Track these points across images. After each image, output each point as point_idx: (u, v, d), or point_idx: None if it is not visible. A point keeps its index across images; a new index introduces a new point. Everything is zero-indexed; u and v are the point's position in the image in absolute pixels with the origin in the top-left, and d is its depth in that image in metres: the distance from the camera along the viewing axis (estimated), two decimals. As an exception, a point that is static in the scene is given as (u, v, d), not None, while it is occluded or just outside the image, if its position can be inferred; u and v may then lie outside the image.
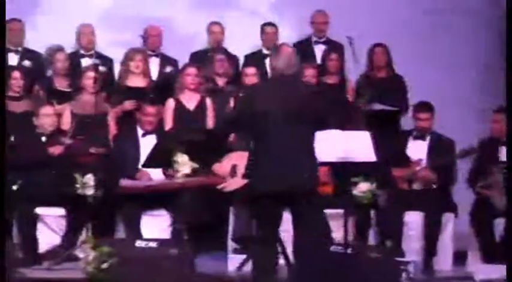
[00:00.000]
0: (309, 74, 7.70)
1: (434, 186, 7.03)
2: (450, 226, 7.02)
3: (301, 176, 5.40)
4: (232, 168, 6.99)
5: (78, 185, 6.53)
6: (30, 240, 6.62)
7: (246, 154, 6.75)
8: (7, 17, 7.92)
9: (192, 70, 7.54)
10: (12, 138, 6.96)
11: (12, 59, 7.88)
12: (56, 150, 6.75)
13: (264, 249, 5.51)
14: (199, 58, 8.04)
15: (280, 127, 5.39)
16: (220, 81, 7.89)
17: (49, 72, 7.67)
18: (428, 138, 7.17)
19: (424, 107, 7.19)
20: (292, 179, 5.37)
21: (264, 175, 5.41)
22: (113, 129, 7.38)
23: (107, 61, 8.04)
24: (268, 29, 8.33)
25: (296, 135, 5.41)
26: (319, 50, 8.34)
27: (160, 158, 6.54)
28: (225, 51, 8.06)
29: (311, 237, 5.50)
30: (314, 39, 8.45)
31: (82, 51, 8.05)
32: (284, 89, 5.47)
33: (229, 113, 6.57)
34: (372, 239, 6.99)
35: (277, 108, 5.38)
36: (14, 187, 6.61)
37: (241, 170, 6.84)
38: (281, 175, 5.36)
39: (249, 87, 5.72)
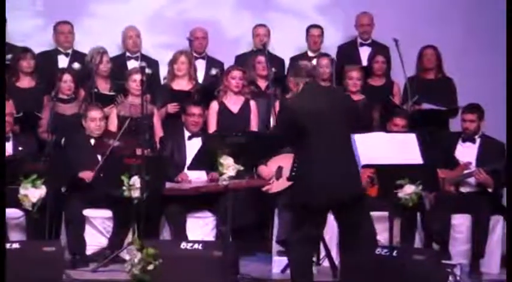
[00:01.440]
0: (354, 76, 7.67)
1: (490, 190, 6.93)
2: (498, 229, 6.92)
3: (350, 183, 5.40)
4: (278, 170, 7.00)
5: (124, 187, 6.56)
6: (78, 242, 6.68)
7: (291, 156, 6.77)
8: (58, 20, 8.07)
9: (236, 73, 7.56)
10: (63, 141, 7.05)
11: (62, 62, 7.99)
12: (87, 177, 6.82)
13: (303, 250, 5.49)
14: (243, 61, 8.06)
15: (323, 133, 5.37)
16: (263, 84, 7.90)
17: (93, 75, 7.73)
18: (478, 140, 7.08)
19: (472, 108, 7.11)
20: (340, 187, 5.37)
21: (311, 184, 5.40)
22: (158, 131, 7.43)
23: (153, 63, 8.11)
24: (313, 31, 8.33)
25: (339, 141, 5.40)
26: (364, 52, 8.31)
27: (205, 160, 6.54)
28: (270, 54, 8.06)
29: (357, 240, 5.47)
30: (359, 41, 8.43)
31: (128, 54, 8.13)
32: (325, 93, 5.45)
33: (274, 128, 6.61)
34: (418, 242, 6.92)
35: (320, 113, 5.38)
36: (63, 189, 6.68)
37: (286, 172, 6.85)
38: (329, 184, 5.35)
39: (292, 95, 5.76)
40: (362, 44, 8.41)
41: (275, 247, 6.95)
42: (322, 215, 5.53)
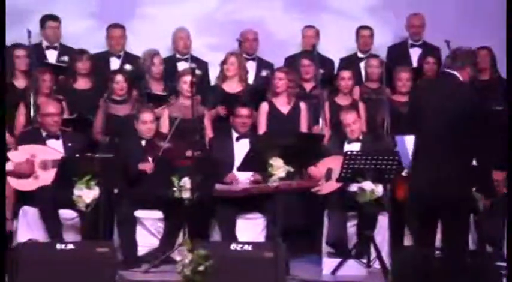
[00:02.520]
0: (404, 77, 7.63)
1: None
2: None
3: (459, 182, 5.28)
4: (327, 171, 6.99)
5: (175, 188, 6.61)
6: (130, 242, 6.74)
7: (340, 158, 6.77)
8: (110, 22, 8.16)
9: (278, 74, 7.58)
10: (115, 141, 7.12)
11: (114, 64, 8.08)
12: (148, 167, 6.85)
13: (420, 253, 5.44)
14: (292, 62, 8.07)
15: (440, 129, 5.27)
16: (308, 86, 7.89)
17: (147, 76, 7.80)
18: None
19: None
20: (449, 186, 5.25)
21: (423, 184, 5.28)
22: (209, 132, 7.46)
23: (203, 65, 8.15)
24: (363, 32, 8.31)
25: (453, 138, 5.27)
26: (415, 53, 8.26)
27: (255, 161, 6.57)
28: (320, 55, 8.06)
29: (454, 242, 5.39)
30: (410, 42, 8.38)
31: (178, 55, 8.18)
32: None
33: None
34: (471, 244, 6.85)
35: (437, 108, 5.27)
36: (115, 190, 6.75)
37: (335, 173, 6.84)
38: (440, 183, 5.24)
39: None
40: (413, 45, 8.36)
41: (325, 248, 6.95)
42: (424, 218, 5.41)
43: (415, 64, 8.16)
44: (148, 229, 6.89)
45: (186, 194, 6.59)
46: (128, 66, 7.98)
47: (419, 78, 7.84)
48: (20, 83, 7.56)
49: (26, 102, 7.29)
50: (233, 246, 6.05)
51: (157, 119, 7.25)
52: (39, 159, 6.71)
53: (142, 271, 6.51)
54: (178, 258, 5.88)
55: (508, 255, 5.98)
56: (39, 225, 6.63)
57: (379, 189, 6.66)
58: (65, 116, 7.17)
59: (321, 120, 7.59)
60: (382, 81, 7.63)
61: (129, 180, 6.74)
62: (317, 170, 7.04)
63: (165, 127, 7.28)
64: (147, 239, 6.84)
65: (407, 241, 6.85)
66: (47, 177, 6.59)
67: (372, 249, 6.68)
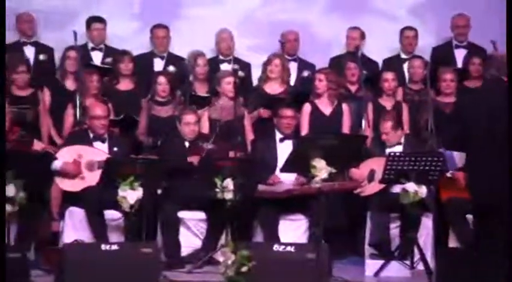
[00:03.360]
0: (448, 78, 7.58)
1: None
2: None
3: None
4: (370, 173, 6.96)
5: (218, 189, 6.63)
6: (173, 243, 6.78)
7: (383, 159, 6.74)
8: (153, 23, 8.22)
9: (319, 75, 7.57)
10: (159, 143, 7.17)
11: (158, 65, 8.13)
12: (195, 160, 6.89)
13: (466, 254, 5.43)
14: (336, 63, 8.06)
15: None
16: (353, 88, 7.87)
17: (190, 78, 7.84)
18: None
19: None
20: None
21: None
22: (249, 134, 7.47)
23: (245, 66, 8.17)
24: (408, 33, 8.27)
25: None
26: (460, 54, 8.20)
27: (298, 163, 6.56)
28: (364, 56, 8.02)
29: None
30: (455, 43, 8.31)
31: (221, 57, 8.20)
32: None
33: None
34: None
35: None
36: (159, 191, 6.80)
37: (378, 175, 6.82)
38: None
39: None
40: (458, 46, 8.29)
41: (367, 250, 6.93)
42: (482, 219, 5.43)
43: (459, 65, 8.09)
44: (191, 230, 6.92)
45: (229, 195, 6.61)
46: (171, 68, 8.03)
47: (464, 79, 7.78)
48: (69, 84, 7.64)
49: (74, 103, 7.37)
50: (276, 247, 6.07)
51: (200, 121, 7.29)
52: (86, 160, 6.78)
53: (185, 272, 6.54)
54: (221, 259, 5.91)
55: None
56: (85, 226, 6.70)
57: (422, 191, 6.62)
58: (112, 117, 7.24)
59: (364, 122, 7.57)
60: (426, 83, 7.58)
61: (174, 181, 6.77)
62: (359, 171, 7.01)
63: (205, 128, 7.30)
64: (190, 240, 6.88)
65: (452, 242, 6.82)
66: (92, 178, 6.66)
67: (416, 251, 6.63)
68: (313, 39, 8.51)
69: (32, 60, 7.94)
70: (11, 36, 7.99)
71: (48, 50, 8.05)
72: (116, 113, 7.41)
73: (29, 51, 8.03)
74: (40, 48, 8.08)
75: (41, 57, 8.01)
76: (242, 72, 7.97)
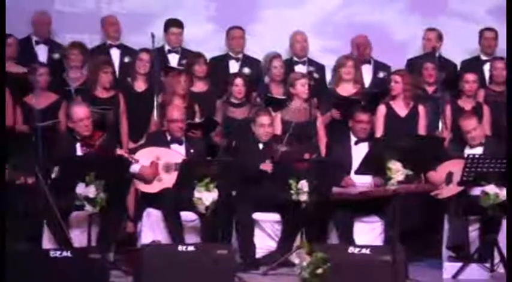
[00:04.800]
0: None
1: None
2: None
3: None
4: (448, 175, 6.87)
5: (292, 191, 6.64)
6: (248, 245, 6.80)
7: (461, 161, 6.64)
8: (228, 25, 8.27)
9: (395, 77, 7.51)
10: (233, 144, 7.21)
11: (233, 67, 8.17)
12: (268, 167, 6.90)
13: None
14: (414, 65, 7.98)
15: None
16: (430, 89, 7.77)
17: (266, 79, 7.85)
18: None
19: None
20: None
21: None
22: (322, 136, 7.44)
23: (319, 68, 8.15)
24: (488, 34, 8.14)
25: None
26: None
27: (373, 165, 6.52)
28: (441, 58, 7.92)
29: None
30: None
31: (295, 58, 8.20)
32: None
33: None
34: None
35: None
36: (234, 193, 6.84)
37: (456, 177, 6.72)
38: None
39: None
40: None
41: (445, 252, 6.84)
42: None
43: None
44: (266, 231, 6.94)
45: (304, 197, 6.62)
46: (246, 70, 8.07)
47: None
48: (138, 85, 7.73)
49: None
50: (351, 249, 6.05)
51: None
52: (163, 161, 6.87)
53: (260, 273, 6.57)
54: (296, 260, 5.91)
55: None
56: (162, 227, 6.77)
57: (503, 193, 6.52)
58: (197, 119, 7.29)
59: (440, 123, 7.47)
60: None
61: (249, 182, 6.79)
62: (437, 174, 6.93)
63: (278, 130, 7.30)
64: (265, 242, 6.90)
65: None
66: (169, 179, 6.74)
67: (496, 254, 6.52)
68: (390, 41, 8.45)
69: (117, 63, 8.03)
70: (95, 39, 8.17)
71: (133, 53, 8.13)
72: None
73: (115, 54, 8.14)
74: (125, 50, 8.16)
75: (126, 59, 8.12)
76: (317, 74, 7.95)
